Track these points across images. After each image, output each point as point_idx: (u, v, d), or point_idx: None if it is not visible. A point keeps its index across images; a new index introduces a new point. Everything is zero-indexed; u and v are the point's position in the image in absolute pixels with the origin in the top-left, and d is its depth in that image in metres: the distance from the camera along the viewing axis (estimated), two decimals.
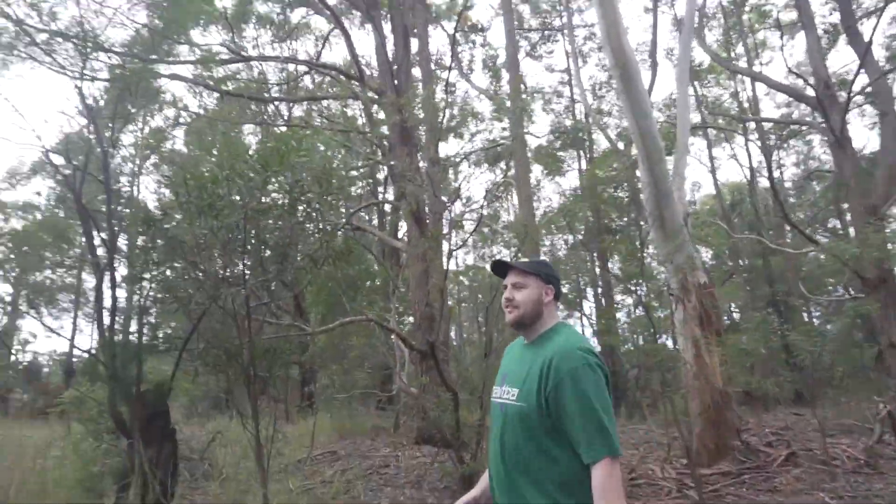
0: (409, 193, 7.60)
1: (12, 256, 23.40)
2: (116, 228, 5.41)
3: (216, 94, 15.81)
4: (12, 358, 23.30)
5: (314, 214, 4.84)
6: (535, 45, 19.54)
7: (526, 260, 2.42)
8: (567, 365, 1.86)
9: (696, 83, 17.23)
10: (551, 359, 1.91)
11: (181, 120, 14.68)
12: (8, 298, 25.14)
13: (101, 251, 6.21)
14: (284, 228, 4.58)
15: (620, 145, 12.63)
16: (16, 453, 7.61)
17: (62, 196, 25.05)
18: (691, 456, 5.52)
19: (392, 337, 8.52)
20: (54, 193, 25.60)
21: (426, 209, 8.93)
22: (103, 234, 5.90)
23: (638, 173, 8.30)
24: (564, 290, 14.43)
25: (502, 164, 14.76)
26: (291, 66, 16.61)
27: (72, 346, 27.17)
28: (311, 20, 17.53)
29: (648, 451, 8.01)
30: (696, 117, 16.45)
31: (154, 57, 10.33)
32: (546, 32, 19.29)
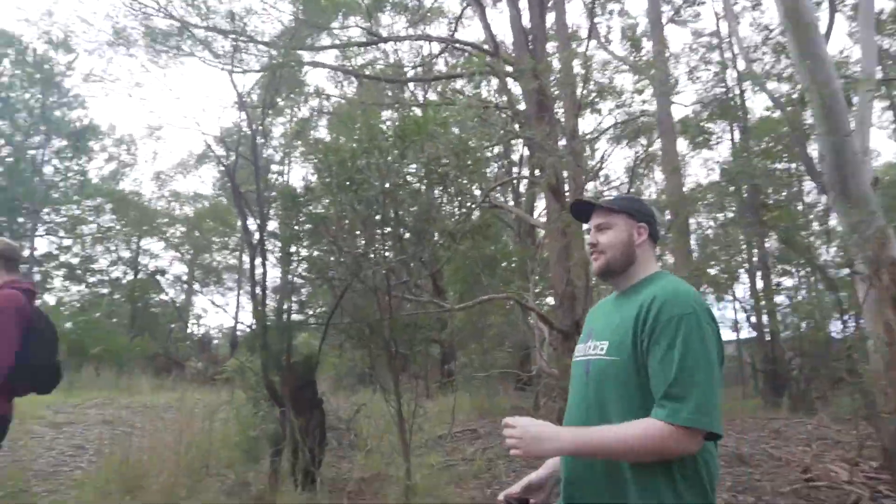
0: (548, 165, 7.25)
1: (185, 240, 26.16)
2: (267, 211, 5.67)
3: (355, 83, 16.36)
4: (188, 330, 26.08)
5: (451, 190, 4.73)
6: (679, 9, 18.06)
7: (611, 197, 2.10)
8: (670, 311, 1.50)
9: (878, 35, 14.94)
10: (651, 302, 1.54)
11: (324, 108, 15.39)
12: (184, 277, 28.26)
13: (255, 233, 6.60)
14: (422, 204, 4.51)
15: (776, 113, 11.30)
16: (190, 414, 8.39)
17: (223, 183, 27.56)
18: (891, 458, 4.75)
19: (531, 316, 8.29)
20: (217, 181, 28.30)
21: (565, 183, 8.53)
22: (255, 218, 6.23)
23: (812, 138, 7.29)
24: (713, 271, 13.23)
25: (643, 139, 13.85)
26: (425, 50, 16.72)
27: (236, 320, 29.99)
28: (444, 2, 17.54)
29: (823, 448, 7.10)
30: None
31: (299, 48, 10.84)
32: None
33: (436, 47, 16.54)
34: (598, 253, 1.78)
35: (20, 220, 22.03)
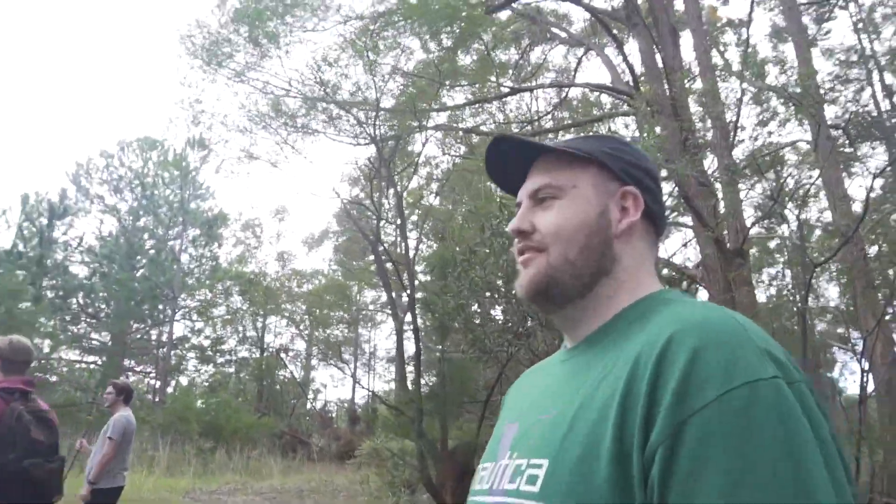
0: (706, 217, 6.37)
1: (306, 316, 26.84)
2: (414, 284, 5.21)
3: (463, 149, 16.29)
4: (308, 406, 26.29)
5: None
6: (821, 28, 16.75)
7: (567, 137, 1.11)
8: (710, 374, 0.63)
9: None
10: (659, 354, 0.68)
11: (437, 175, 15.35)
12: (303, 353, 28.89)
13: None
14: None
15: None
16: (329, 498, 7.91)
17: (341, 260, 28.35)
18: None
19: None
20: (333, 258, 29.22)
21: (719, 222, 7.52)
22: (405, 291, 5.78)
23: None
24: None
25: (793, 168, 12.47)
26: (537, 104, 16.44)
27: (353, 394, 30.03)
28: (550, 55, 17.32)
29: None
30: None
31: (414, 122, 10.83)
32: (821, 9, 16.37)
33: (541, 103, 16.21)
34: (532, 250, 0.86)
35: (160, 306, 23.50)
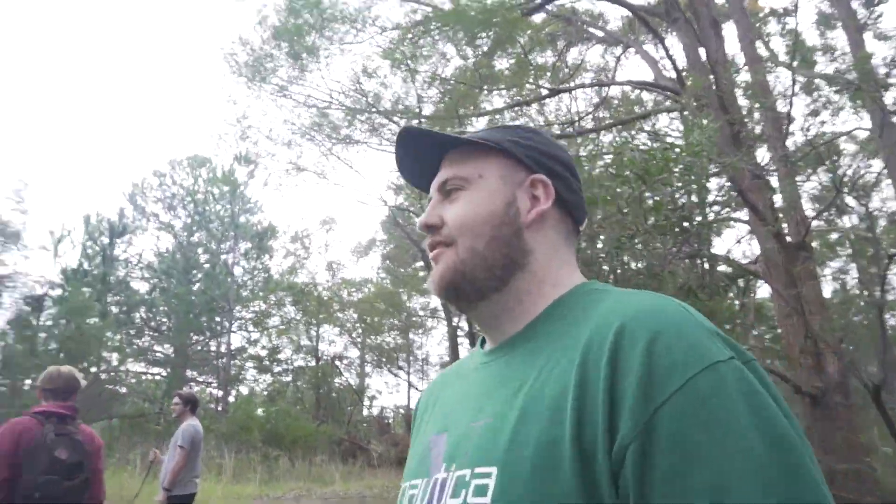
0: (763, 211, 6.21)
1: (358, 324, 27.24)
2: None
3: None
4: (364, 412, 26.64)
5: (682, 238, 3.97)
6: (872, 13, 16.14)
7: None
8: (675, 359, 0.60)
9: None
10: (613, 341, 0.64)
11: None
12: (357, 361, 29.31)
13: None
14: (655, 256, 3.80)
15: None
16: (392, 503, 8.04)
17: (389, 268, 28.69)
18: None
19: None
20: (382, 266, 29.57)
21: (778, 216, 7.31)
22: None
23: None
24: None
25: (850, 158, 12.02)
26: (577, 104, 16.29)
27: (408, 399, 30.28)
28: (587, 56, 17.15)
29: None
30: None
31: (457, 129, 10.92)
32: None
33: (581, 103, 16.06)
34: (441, 245, 0.83)
35: (217, 318, 24.27)
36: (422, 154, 0.89)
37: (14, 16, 55.06)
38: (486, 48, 11.35)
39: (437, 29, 10.26)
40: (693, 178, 3.65)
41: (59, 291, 21.34)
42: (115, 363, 22.78)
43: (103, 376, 22.00)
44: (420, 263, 21.88)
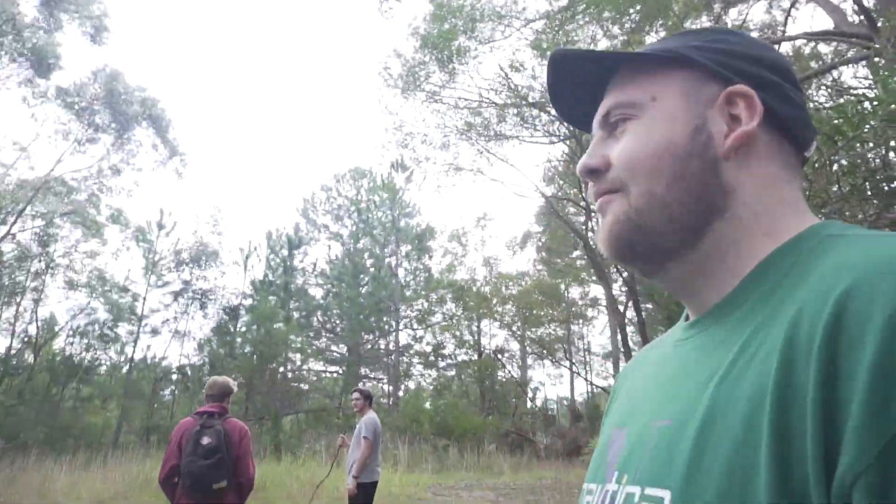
0: None
1: (517, 317, 27.36)
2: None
3: None
4: (528, 405, 26.65)
5: (885, 202, 3.42)
6: None
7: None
8: None
9: None
10: (825, 347, 0.38)
11: None
12: (518, 354, 29.44)
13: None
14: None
15: None
16: (566, 493, 7.98)
17: (545, 259, 28.48)
18: None
19: None
20: (538, 258, 29.42)
21: None
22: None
23: None
24: None
25: None
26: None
27: (572, 391, 29.80)
28: (751, 14, 15.63)
29: None
30: None
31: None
32: None
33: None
34: (608, 192, 0.63)
35: (385, 318, 25.72)
36: (582, 84, 0.71)
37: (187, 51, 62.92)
38: (635, 23, 10.82)
39: (584, 12, 9.97)
40: (893, 131, 3.11)
41: (249, 301, 24.06)
42: (298, 363, 25.14)
43: (289, 375, 24.37)
44: (578, 252, 21.40)
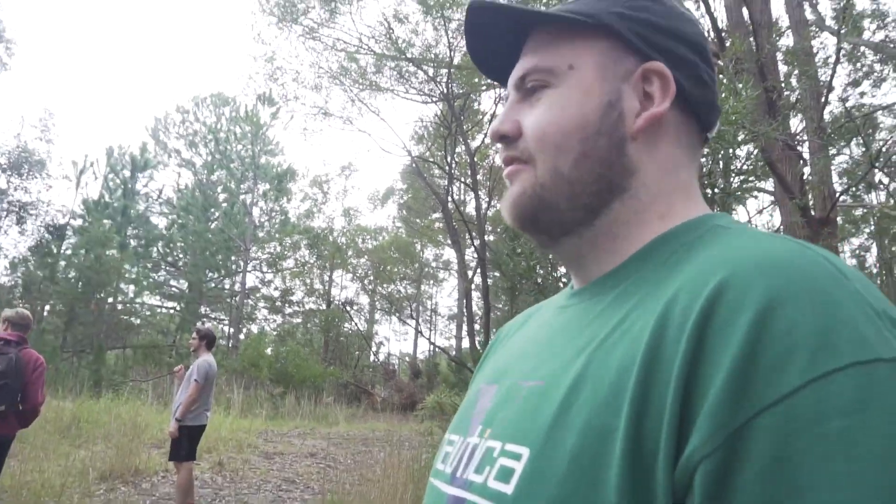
0: (790, 184, 6.03)
1: (370, 272, 27.46)
2: (483, 239, 5.21)
3: None
4: (371, 358, 27.14)
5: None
6: None
7: None
8: (790, 371, 0.38)
9: None
10: (694, 332, 0.43)
11: None
12: (367, 307, 29.69)
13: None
14: None
15: None
16: (396, 446, 8.28)
17: (405, 217, 28.68)
18: None
19: None
20: (398, 216, 29.57)
21: (806, 190, 7.13)
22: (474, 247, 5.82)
23: None
24: None
25: (886, 132, 11.67)
26: None
27: (415, 348, 30.75)
28: None
29: None
30: None
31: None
32: None
33: None
34: (516, 159, 0.64)
35: (233, 258, 24.57)
36: (499, 37, 0.68)
37: None
38: None
39: None
40: (723, 145, 3.50)
41: (79, 222, 21.68)
42: (131, 295, 23.29)
43: (119, 307, 22.52)
44: (437, 215, 21.78)
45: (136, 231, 23.41)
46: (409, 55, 9.28)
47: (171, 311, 24.17)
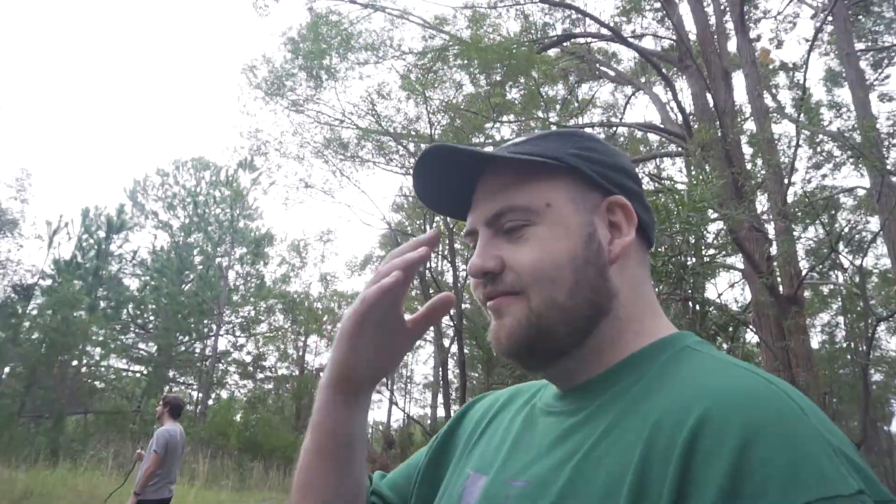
0: (758, 262, 6.28)
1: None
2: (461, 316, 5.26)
3: None
4: None
5: (676, 280, 4.01)
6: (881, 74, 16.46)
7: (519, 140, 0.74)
8: (764, 499, 0.46)
9: None
10: (681, 461, 0.50)
11: None
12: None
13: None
14: None
15: None
16: None
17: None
18: None
19: None
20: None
21: (771, 266, 7.37)
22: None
23: None
24: None
25: (848, 213, 12.14)
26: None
27: (388, 417, 29.98)
28: (599, 93, 17.36)
29: None
30: None
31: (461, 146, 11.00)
32: (879, 55, 16.08)
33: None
34: (504, 294, 0.67)
35: (205, 321, 24.12)
36: (448, 174, 0.72)
37: (26, 6, 55.62)
38: (499, 78, 11.51)
39: (455, 56, 10.40)
40: (693, 227, 3.69)
41: (49, 282, 21.21)
42: (97, 358, 22.56)
43: (83, 370, 21.76)
44: (414, 283, 21.80)
45: (107, 292, 22.96)
46: (391, 130, 9.62)
47: (138, 375, 23.43)
